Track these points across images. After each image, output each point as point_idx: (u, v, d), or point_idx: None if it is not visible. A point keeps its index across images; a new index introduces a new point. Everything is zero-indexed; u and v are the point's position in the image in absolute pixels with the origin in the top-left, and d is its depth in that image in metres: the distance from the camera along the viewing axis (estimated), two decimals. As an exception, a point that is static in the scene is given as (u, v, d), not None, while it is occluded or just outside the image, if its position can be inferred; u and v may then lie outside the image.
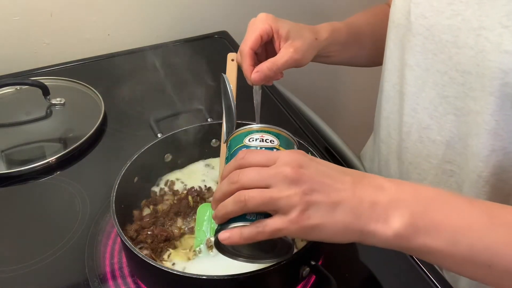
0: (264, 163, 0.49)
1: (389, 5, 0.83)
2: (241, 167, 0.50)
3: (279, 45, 0.69)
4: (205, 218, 0.69)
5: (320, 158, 0.71)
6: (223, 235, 0.49)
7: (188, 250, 0.67)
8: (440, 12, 0.65)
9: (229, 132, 0.61)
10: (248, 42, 0.68)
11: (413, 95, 0.72)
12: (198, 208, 0.71)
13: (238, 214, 0.49)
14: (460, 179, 0.70)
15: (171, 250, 0.67)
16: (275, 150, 0.54)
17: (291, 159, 0.49)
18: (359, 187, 0.49)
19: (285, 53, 0.68)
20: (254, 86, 0.69)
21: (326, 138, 0.92)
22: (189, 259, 0.66)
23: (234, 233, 0.49)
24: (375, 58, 0.84)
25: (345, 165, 0.84)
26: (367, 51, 0.84)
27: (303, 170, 0.48)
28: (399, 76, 0.74)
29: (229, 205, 0.49)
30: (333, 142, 0.91)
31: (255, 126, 0.56)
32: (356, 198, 0.48)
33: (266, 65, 0.66)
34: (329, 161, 0.83)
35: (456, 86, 0.65)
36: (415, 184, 0.52)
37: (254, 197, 0.47)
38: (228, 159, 0.56)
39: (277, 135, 0.56)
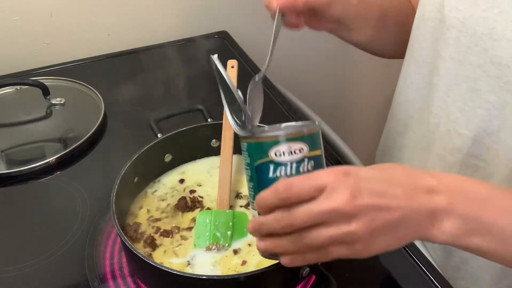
0: (311, 196, 0.45)
1: None
2: (285, 203, 0.46)
3: None
4: (204, 226, 0.69)
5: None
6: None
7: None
8: (475, 4, 0.64)
9: (237, 123, 0.54)
10: None
11: (444, 87, 0.71)
12: (197, 216, 0.71)
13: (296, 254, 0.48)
14: (486, 174, 0.70)
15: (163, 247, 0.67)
16: (307, 160, 0.50)
17: (339, 186, 0.45)
18: (413, 198, 0.47)
19: None
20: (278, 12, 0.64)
21: (326, 138, 0.92)
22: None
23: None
24: (399, 46, 0.82)
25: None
26: (392, 34, 0.82)
27: (356, 201, 0.44)
28: (430, 68, 0.74)
29: (287, 245, 0.47)
30: (332, 142, 0.91)
31: (278, 134, 0.50)
32: (413, 212, 0.47)
33: None
34: (329, 161, 0.83)
35: (490, 80, 0.65)
36: (463, 181, 0.52)
37: (316, 238, 0.45)
38: (250, 170, 0.52)
39: (302, 139, 0.51)
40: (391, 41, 0.84)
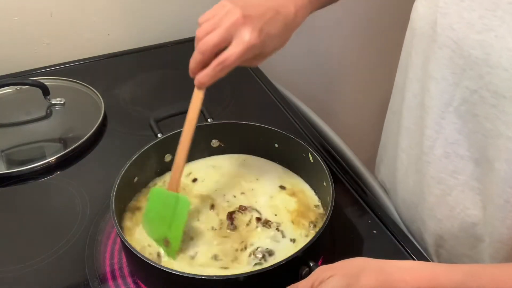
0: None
1: None
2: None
3: None
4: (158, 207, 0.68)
5: (320, 158, 0.71)
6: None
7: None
8: (471, 25, 0.59)
9: None
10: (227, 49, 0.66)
11: (438, 109, 0.66)
12: (151, 190, 0.70)
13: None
14: (486, 199, 0.66)
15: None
16: None
17: None
18: None
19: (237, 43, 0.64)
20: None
21: (326, 138, 0.92)
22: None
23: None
24: None
25: (345, 165, 0.84)
26: None
27: None
28: (420, 87, 0.69)
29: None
30: (332, 142, 0.91)
31: None
32: None
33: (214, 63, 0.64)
34: (329, 161, 0.84)
35: (487, 107, 0.60)
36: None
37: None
38: None
39: None
40: None
